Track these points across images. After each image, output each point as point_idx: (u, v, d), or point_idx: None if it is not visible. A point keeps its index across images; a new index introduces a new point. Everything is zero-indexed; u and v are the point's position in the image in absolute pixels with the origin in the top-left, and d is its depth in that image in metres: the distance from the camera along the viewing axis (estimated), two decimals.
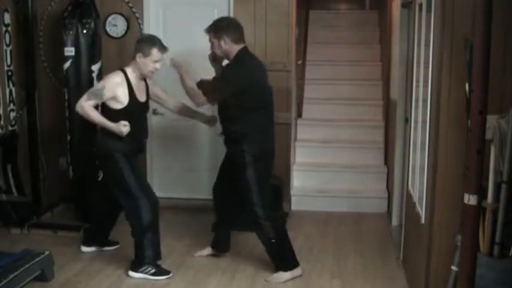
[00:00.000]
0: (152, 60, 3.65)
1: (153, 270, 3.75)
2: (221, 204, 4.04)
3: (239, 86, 3.59)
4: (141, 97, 3.77)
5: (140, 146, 3.90)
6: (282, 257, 3.78)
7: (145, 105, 3.85)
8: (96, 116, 3.63)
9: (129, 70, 3.69)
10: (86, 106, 3.60)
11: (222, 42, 3.66)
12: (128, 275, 3.78)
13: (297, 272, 3.77)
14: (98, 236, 4.24)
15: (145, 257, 3.75)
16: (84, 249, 4.19)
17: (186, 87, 3.67)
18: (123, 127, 3.59)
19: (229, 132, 3.75)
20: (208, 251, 4.15)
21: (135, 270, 3.77)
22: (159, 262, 3.84)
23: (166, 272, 3.80)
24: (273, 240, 3.72)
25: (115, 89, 3.62)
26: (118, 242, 4.29)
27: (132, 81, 3.69)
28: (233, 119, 3.68)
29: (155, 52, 3.64)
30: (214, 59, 3.80)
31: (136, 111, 3.72)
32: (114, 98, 3.63)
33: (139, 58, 3.64)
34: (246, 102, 3.63)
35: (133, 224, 3.77)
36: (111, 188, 3.81)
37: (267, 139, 3.82)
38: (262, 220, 3.70)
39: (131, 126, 3.63)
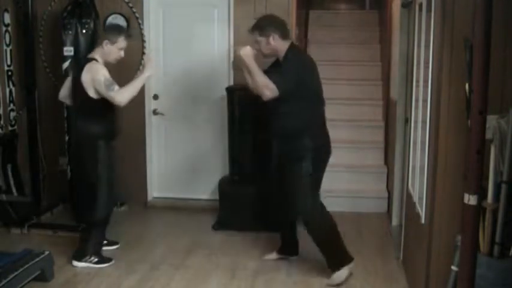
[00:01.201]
0: (118, 48, 3.80)
1: (96, 259, 3.90)
2: (280, 206, 3.90)
3: (300, 78, 3.50)
4: None
5: (118, 129, 4.03)
6: (332, 255, 3.71)
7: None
8: (131, 86, 3.75)
9: (98, 58, 3.81)
10: (118, 92, 3.68)
11: (271, 39, 3.58)
12: (73, 265, 3.90)
13: (350, 266, 3.71)
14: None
15: (89, 248, 3.88)
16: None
17: (256, 80, 3.51)
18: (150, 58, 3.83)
19: (287, 128, 3.60)
20: (275, 255, 4.08)
21: (79, 260, 3.89)
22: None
23: (109, 260, 3.95)
24: (321, 239, 3.66)
25: (106, 73, 3.74)
26: (118, 242, 4.29)
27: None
28: (292, 113, 3.55)
29: (121, 40, 3.80)
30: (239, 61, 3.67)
31: None
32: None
33: (105, 45, 3.78)
34: (306, 95, 3.56)
35: (86, 214, 3.91)
36: (78, 175, 3.93)
37: (325, 135, 3.72)
38: (309, 218, 3.64)
39: (110, 110, 3.79)
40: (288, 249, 4.06)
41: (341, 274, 3.67)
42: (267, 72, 3.58)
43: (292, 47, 3.66)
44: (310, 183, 3.61)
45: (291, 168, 3.62)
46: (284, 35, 3.63)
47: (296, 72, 3.51)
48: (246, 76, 3.69)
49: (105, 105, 3.76)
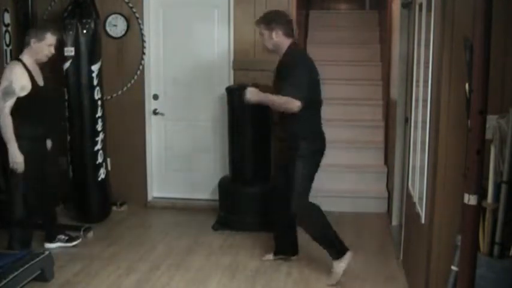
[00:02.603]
0: (47, 44, 3.84)
1: None
2: (280, 206, 3.92)
3: (307, 81, 3.57)
4: (40, 81, 3.92)
5: (46, 132, 4.03)
6: (332, 245, 3.74)
7: (45, 89, 3.99)
8: (10, 129, 3.69)
9: (25, 57, 3.83)
10: (6, 111, 3.68)
11: (274, 34, 3.63)
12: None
13: (348, 257, 3.70)
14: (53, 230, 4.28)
15: (13, 247, 3.87)
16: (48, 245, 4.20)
17: (276, 105, 3.63)
18: (19, 164, 3.74)
19: (291, 131, 3.67)
20: (271, 257, 4.08)
21: None
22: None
23: None
24: (318, 233, 3.73)
25: (20, 79, 3.74)
26: (79, 237, 4.33)
27: (30, 68, 3.83)
28: (297, 117, 3.56)
29: (49, 36, 3.85)
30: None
31: (38, 95, 3.87)
32: (22, 88, 3.74)
33: (34, 43, 3.81)
34: (310, 98, 3.59)
35: (11, 209, 3.93)
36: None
37: (323, 137, 3.78)
38: (305, 215, 3.71)
39: (35, 111, 3.82)
40: (288, 250, 4.05)
41: (339, 270, 3.69)
42: (276, 80, 3.65)
43: (293, 46, 3.68)
44: (307, 183, 3.70)
45: (291, 169, 3.65)
46: (287, 32, 3.65)
47: (304, 76, 3.56)
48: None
49: (30, 105, 3.77)
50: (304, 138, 3.63)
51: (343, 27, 7.28)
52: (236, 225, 4.69)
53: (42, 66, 4.01)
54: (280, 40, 3.64)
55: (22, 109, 3.72)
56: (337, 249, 3.72)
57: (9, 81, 3.69)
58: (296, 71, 3.56)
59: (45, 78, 4.01)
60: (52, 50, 3.90)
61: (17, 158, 3.74)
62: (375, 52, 6.83)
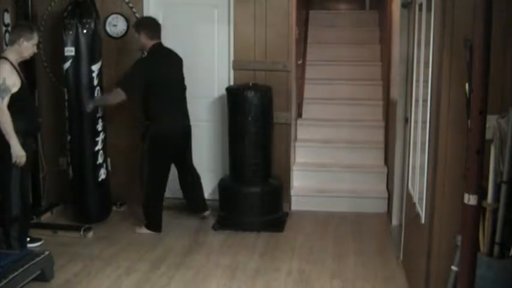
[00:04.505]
0: (33, 44, 3.93)
1: None
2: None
3: (142, 76, 4.31)
4: (23, 78, 3.95)
5: (36, 125, 4.13)
6: (148, 219, 4.61)
7: (27, 86, 4.06)
8: (10, 125, 3.72)
9: (10, 56, 3.86)
10: (4, 108, 3.70)
11: (140, 37, 4.40)
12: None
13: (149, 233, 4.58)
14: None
15: (12, 246, 3.87)
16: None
17: (110, 102, 4.53)
18: (22, 157, 3.80)
19: (144, 115, 4.51)
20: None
21: None
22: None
23: None
24: (144, 202, 4.60)
25: (12, 76, 3.78)
26: (41, 238, 4.32)
27: (16, 66, 3.87)
28: (143, 105, 4.44)
29: (35, 36, 3.95)
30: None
31: (26, 92, 3.94)
32: (13, 84, 3.77)
33: (22, 43, 3.87)
34: (149, 89, 4.34)
35: (4, 210, 3.93)
36: None
37: (170, 123, 4.48)
38: (147, 186, 4.56)
39: (26, 107, 3.88)
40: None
41: (145, 232, 4.58)
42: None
43: (155, 45, 4.41)
44: (151, 162, 4.48)
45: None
46: (151, 35, 4.41)
47: (139, 72, 4.33)
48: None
49: (21, 102, 3.79)
50: (153, 120, 4.41)
51: (343, 27, 7.29)
52: (236, 225, 4.69)
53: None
54: (145, 42, 4.41)
55: (14, 106, 3.74)
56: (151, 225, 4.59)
57: (3, 79, 3.71)
58: (134, 69, 4.34)
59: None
60: (35, 50, 3.99)
61: (20, 151, 3.78)
62: (375, 52, 6.83)
